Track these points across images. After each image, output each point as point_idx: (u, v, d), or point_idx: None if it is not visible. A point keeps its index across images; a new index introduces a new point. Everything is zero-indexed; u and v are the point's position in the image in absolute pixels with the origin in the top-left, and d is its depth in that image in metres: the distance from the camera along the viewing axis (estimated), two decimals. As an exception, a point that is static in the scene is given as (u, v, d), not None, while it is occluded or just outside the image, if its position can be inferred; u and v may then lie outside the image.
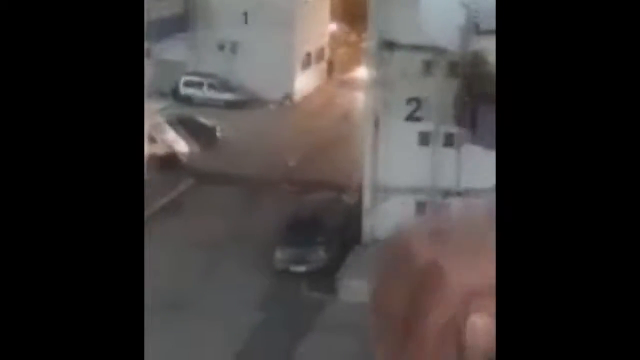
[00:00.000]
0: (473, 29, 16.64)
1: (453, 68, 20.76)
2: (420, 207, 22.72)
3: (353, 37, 54.55)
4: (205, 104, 40.83)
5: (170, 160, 31.01)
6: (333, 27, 50.96)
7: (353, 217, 24.81)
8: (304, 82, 44.69)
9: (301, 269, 22.59)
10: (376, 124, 22.76)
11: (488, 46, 16.98)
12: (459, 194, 21.35)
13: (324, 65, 48.66)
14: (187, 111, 36.69)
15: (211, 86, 42.12)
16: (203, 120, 35.65)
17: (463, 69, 19.25)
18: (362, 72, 34.49)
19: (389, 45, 22.00)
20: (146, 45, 32.09)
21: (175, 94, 41.73)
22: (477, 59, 18.01)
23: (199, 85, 42.32)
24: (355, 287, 21.69)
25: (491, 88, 17.40)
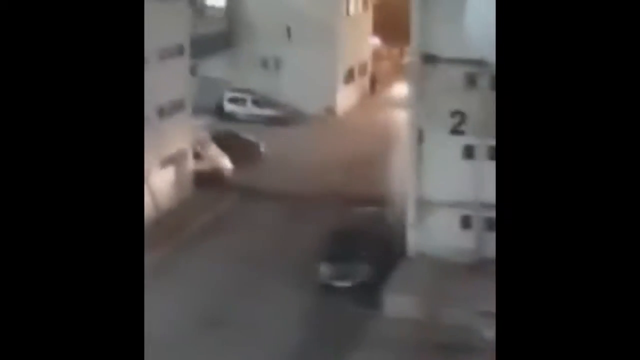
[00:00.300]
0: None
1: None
2: (465, 220, 22.56)
3: (396, 52, 54.51)
4: (249, 120, 41.10)
5: (214, 176, 31.23)
6: (376, 41, 51.00)
7: (397, 231, 24.71)
8: (347, 97, 44.75)
9: (346, 284, 22.52)
10: (420, 138, 22.68)
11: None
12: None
13: (366, 79, 48.71)
14: (231, 127, 36.95)
15: (255, 102, 42.41)
16: (247, 136, 35.88)
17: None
18: (405, 86, 34.42)
19: (432, 59, 21.94)
20: (191, 62, 32.45)
21: (219, 110, 42.05)
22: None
23: (243, 101, 42.62)
24: (400, 302, 21.56)
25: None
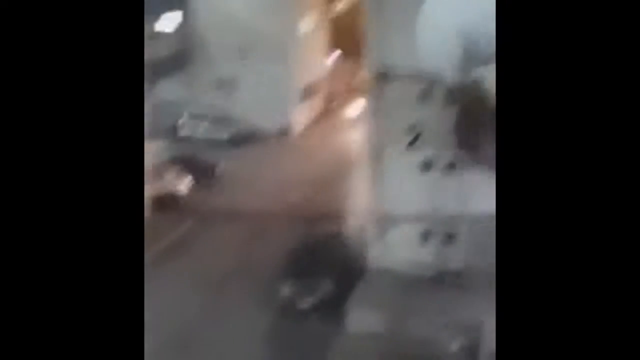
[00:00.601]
0: (470, 57, 16.67)
1: (451, 94, 20.78)
2: (425, 234, 22.64)
3: (351, 68, 54.78)
4: (206, 141, 40.91)
5: (172, 200, 31.00)
6: (331, 58, 51.18)
7: (358, 247, 24.78)
8: (304, 114, 44.79)
9: (308, 303, 22.45)
10: (377, 154, 22.75)
11: (485, 73, 17.01)
12: (462, 219, 21.30)
13: (322, 96, 48.82)
14: (187, 150, 36.76)
15: (210, 123, 42.26)
16: (204, 157, 35.71)
17: (461, 95, 19.26)
18: (361, 102, 34.54)
19: (387, 75, 22.05)
20: (144, 85, 32.25)
21: (174, 133, 41.81)
22: (474, 85, 18.03)
23: (199, 122, 42.45)
24: (363, 319, 21.56)
25: (490, 113, 17.40)
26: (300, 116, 44.05)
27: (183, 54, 42.82)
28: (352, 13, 52.55)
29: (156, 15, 38.94)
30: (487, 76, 17.29)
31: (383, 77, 21.97)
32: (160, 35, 39.88)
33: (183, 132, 41.85)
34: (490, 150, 17.57)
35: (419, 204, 22.24)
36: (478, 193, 19.71)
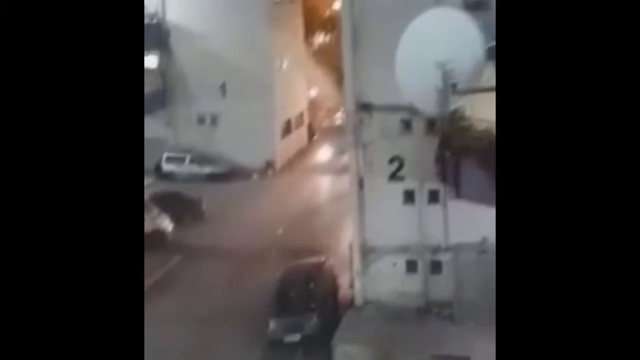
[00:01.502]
0: (450, 89, 16.77)
1: (431, 125, 20.88)
2: (411, 265, 22.65)
3: (331, 102, 55.09)
4: (188, 178, 40.94)
5: (156, 238, 30.88)
6: (311, 93, 51.45)
7: (343, 280, 24.74)
8: (285, 149, 44.92)
9: (295, 337, 22.34)
10: (360, 185, 22.80)
11: (465, 104, 17.14)
12: (447, 249, 21.32)
13: (304, 130, 49.00)
14: (170, 187, 36.72)
15: (193, 160, 42.32)
16: (187, 194, 35.68)
17: (441, 125, 19.36)
18: (342, 135, 34.68)
19: (367, 107, 22.15)
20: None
21: (157, 170, 41.81)
22: (454, 115, 18.13)
23: (181, 160, 42.51)
24: (350, 352, 21.46)
25: (471, 143, 17.51)
26: (283, 151, 44.17)
27: (165, 91, 42.95)
28: (331, 47, 52.96)
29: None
30: (467, 106, 17.44)
31: (363, 109, 22.08)
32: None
33: (166, 169, 41.90)
34: (470, 182, 17.68)
35: (403, 234, 22.28)
36: (462, 222, 19.75)
